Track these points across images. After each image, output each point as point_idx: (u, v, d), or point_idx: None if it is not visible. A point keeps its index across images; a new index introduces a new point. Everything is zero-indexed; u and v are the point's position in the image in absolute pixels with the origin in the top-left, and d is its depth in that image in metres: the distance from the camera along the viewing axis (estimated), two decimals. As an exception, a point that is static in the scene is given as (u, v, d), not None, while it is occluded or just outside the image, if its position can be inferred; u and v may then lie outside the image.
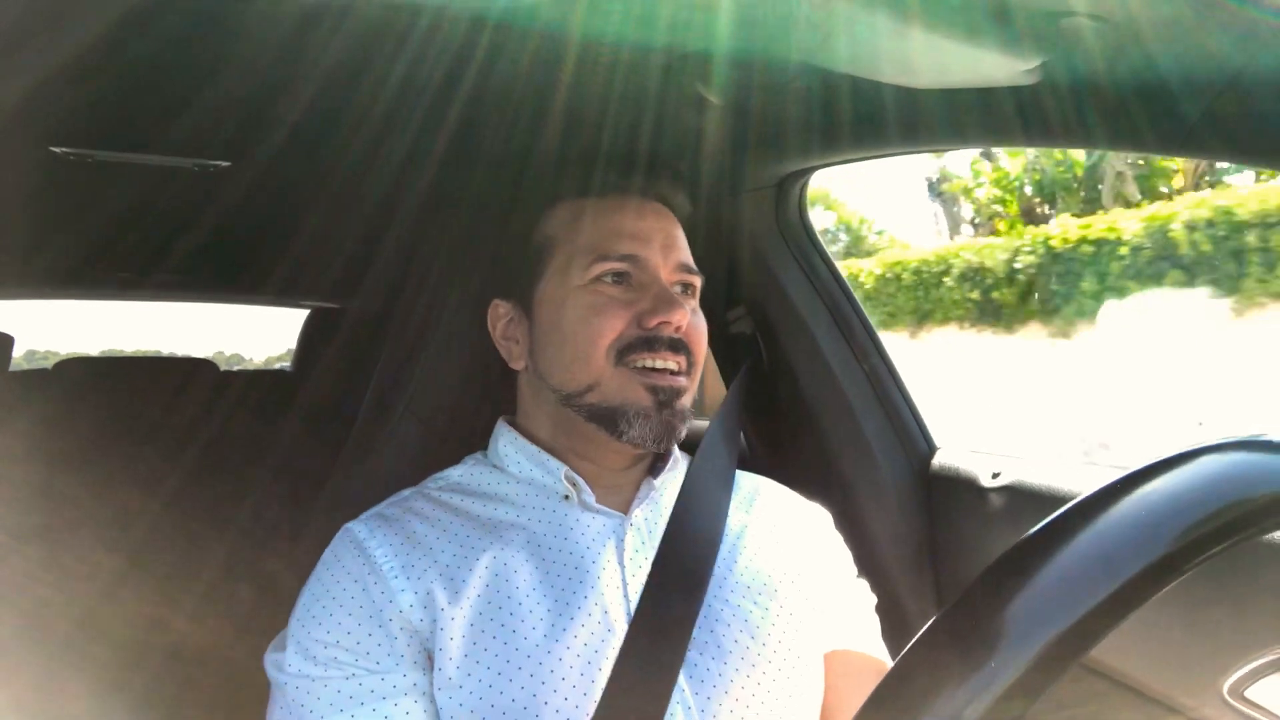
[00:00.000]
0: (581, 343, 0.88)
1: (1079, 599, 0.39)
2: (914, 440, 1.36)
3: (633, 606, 0.83)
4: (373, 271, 1.83)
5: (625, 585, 0.85)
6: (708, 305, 1.44)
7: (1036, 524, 0.42)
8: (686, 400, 0.90)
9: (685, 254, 0.94)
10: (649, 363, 0.88)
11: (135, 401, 1.90)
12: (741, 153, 1.21)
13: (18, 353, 2.12)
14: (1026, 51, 0.77)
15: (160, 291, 2.25)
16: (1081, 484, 1.13)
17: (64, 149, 1.25)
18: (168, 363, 2.16)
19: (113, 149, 1.29)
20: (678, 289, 0.92)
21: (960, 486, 1.28)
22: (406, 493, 0.93)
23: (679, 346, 0.89)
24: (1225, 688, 0.94)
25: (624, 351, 0.88)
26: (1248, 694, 0.93)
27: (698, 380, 0.93)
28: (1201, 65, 0.71)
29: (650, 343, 0.88)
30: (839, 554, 1.00)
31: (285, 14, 0.90)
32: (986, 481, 1.24)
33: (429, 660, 0.79)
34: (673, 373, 0.89)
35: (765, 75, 0.98)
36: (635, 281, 0.90)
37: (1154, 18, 0.69)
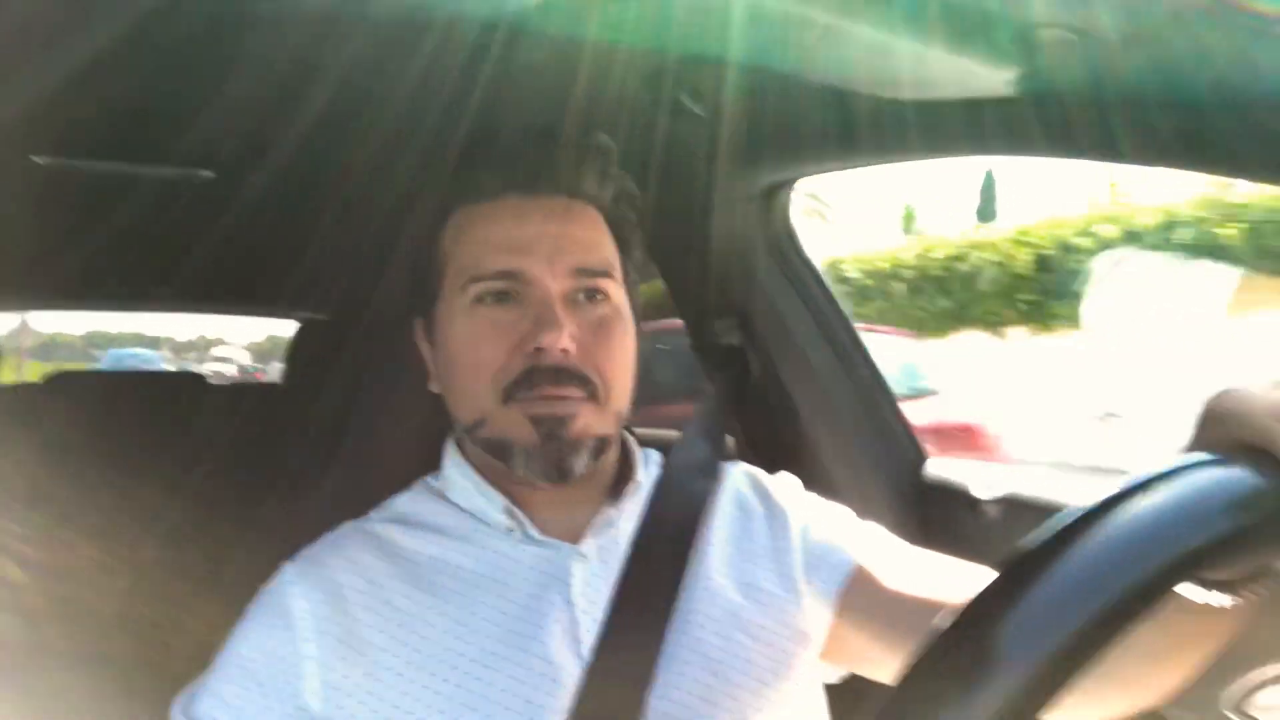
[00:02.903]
0: (466, 376, 0.81)
1: (1082, 608, 0.38)
2: (904, 451, 1.36)
3: (585, 650, 0.77)
4: (364, 283, 1.82)
5: (576, 626, 0.79)
6: (694, 316, 1.44)
7: (1028, 535, 0.42)
8: (581, 427, 0.79)
9: (584, 254, 0.82)
10: (529, 399, 0.79)
11: (126, 415, 1.89)
12: (725, 162, 1.20)
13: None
14: (1006, 62, 0.76)
15: (150, 303, 2.24)
16: (1072, 495, 1.13)
17: (45, 159, 1.25)
18: (157, 376, 2.15)
19: (94, 158, 1.28)
20: (579, 297, 0.81)
21: (951, 497, 1.28)
22: (347, 527, 0.86)
23: (565, 376, 0.78)
24: (1223, 700, 0.93)
25: (509, 390, 0.79)
26: (1244, 707, 0.92)
27: (616, 402, 0.83)
28: (1180, 77, 0.71)
29: (529, 377, 0.78)
30: (811, 519, 0.92)
31: (276, 28, 0.90)
32: (978, 492, 1.24)
33: None
34: (559, 400, 0.79)
35: (749, 85, 0.98)
36: (521, 298, 0.80)
37: (1133, 29, 0.69)
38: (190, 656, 0.82)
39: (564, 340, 0.77)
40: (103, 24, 0.87)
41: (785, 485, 0.96)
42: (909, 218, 19.50)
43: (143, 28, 0.87)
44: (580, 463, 0.80)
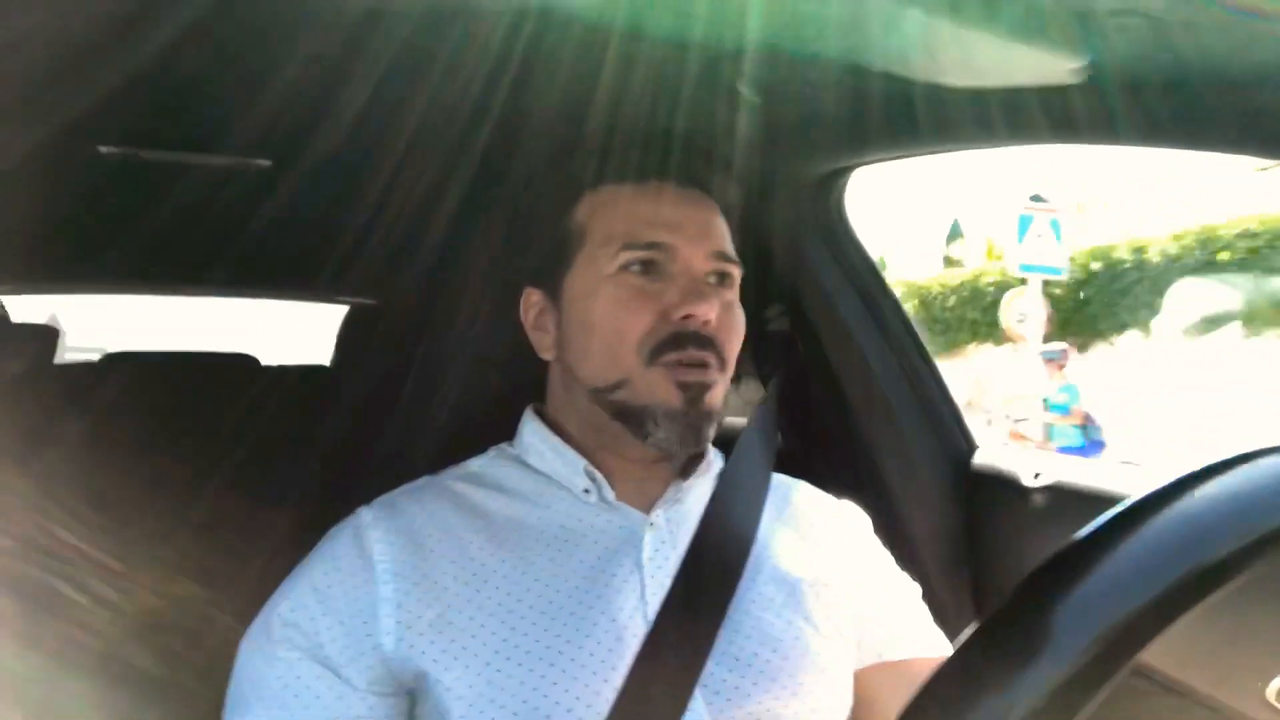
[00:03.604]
0: (609, 337, 0.85)
1: (1131, 597, 0.38)
2: (953, 439, 1.35)
3: (650, 611, 0.80)
4: (412, 267, 1.84)
5: (644, 588, 0.82)
6: (744, 303, 1.44)
7: (1078, 523, 0.42)
8: (716, 398, 0.86)
9: (722, 241, 0.89)
10: (677, 359, 0.83)
11: (180, 396, 1.93)
12: (780, 150, 1.20)
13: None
14: (1074, 49, 0.76)
15: (203, 288, 2.28)
16: (1124, 484, 1.12)
17: (110, 148, 1.28)
18: (211, 358, 2.18)
19: (159, 148, 1.31)
20: (712, 279, 0.87)
21: (1001, 486, 1.27)
22: (422, 481, 0.90)
23: (706, 343, 0.84)
24: (1270, 691, 0.92)
25: (655, 351, 0.83)
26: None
27: (729, 378, 0.88)
28: (1250, 63, 0.70)
29: (677, 339, 0.83)
30: (876, 558, 0.97)
31: (328, 16, 0.91)
32: (1028, 481, 1.23)
33: (392, 684, 0.77)
34: (702, 366, 0.84)
35: (805, 72, 0.98)
36: (665, 271, 0.85)
37: (1202, 15, 0.68)
38: (220, 646, 0.84)
39: (714, 311, 0.83)
40: (165, 17, 0.89)
41: (853, 517, 1.00)
42: (880, 265, 20.70)
43: (203, 20, 0.89)
44: (711, 432, 0.87)
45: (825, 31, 0.86)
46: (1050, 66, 0.78)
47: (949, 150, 1.09)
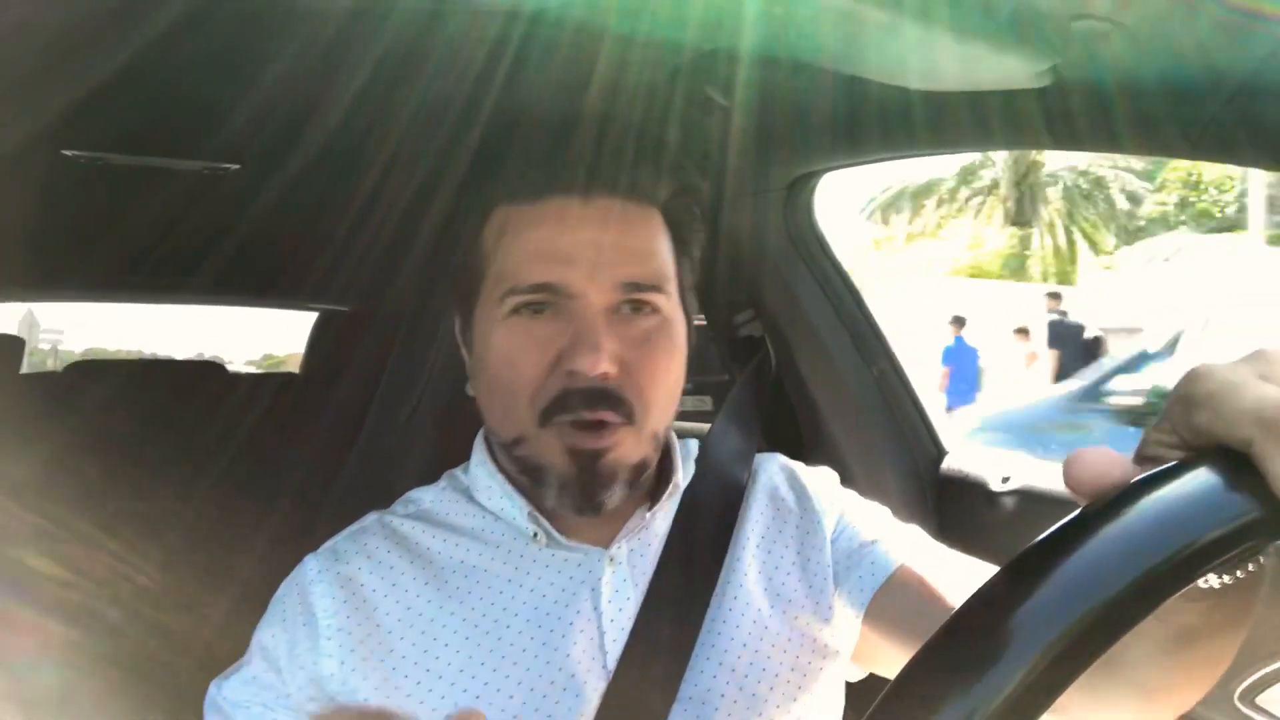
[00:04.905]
0: (503, 392, 0.76)
1: (1084, 602, 0.38)
2: (923, 444, 1.36)
3: (610, 661, 0.74)
4: (382, 275, 1.83)
5: (602, 636, 0.76)
6: (716, 309, 1.45)
7: (1046, 527, 0.42)
8: (620, 458, 0.75)
9: (633, 266, 0.76)
10: (569, 421, 0.74)
11: (145, 404, 1.91)
12: (750, 155, 1.20)
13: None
14: (1038, 54, 0.76)
15: (169, 293, 2.26)
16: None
17: (75, 152, 1.26)
18: (177, 365, 2.17)
19: (123, 152, 1.29)
20: (626, 309, 0.76)
21: (970, 490, 1.28)
22: (370, 519, 0.84)
23: (599, 400, 0.73)
24: (1236, 694, 0.93)
25: (546, 413, 0.74)
26: (1259, 700, 0.93)
27: (654, 423, 0.78)
28: (1212, 69, 0.71)
29: (565, 401, 0.73)
30: (852, 512, 0.89)
31: (301, 24, 0.91)
32: (996, 485, 1.24)
33: None
34: (598, 427, 0.74)
35: (775, 77, 0.98)
36: (561, 310, 0.74)
37: (1165, 22, 0.69)
38: (201, 658, 0.82)
39: (602, 364, 0.72)
40: (132, 22, 0.88)
41: (822, 480, 0.93)
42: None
43: (170, 25, 0.89)
44: (614, 496, 0.76)
45: (796, 37, 0.86)
46: (1016, 71, 0.79)
47: (918, 155, 1.10)
